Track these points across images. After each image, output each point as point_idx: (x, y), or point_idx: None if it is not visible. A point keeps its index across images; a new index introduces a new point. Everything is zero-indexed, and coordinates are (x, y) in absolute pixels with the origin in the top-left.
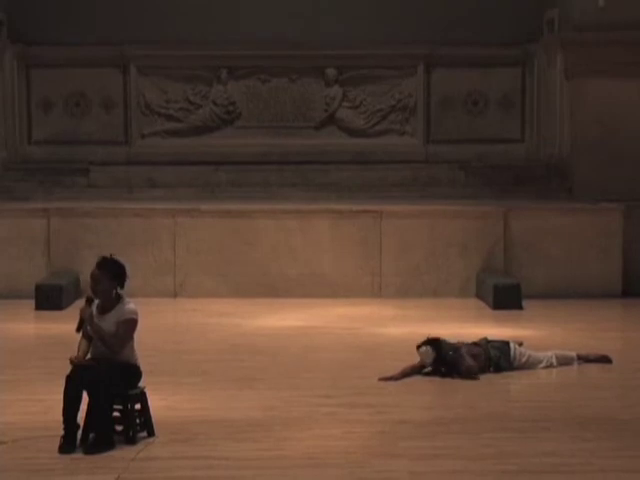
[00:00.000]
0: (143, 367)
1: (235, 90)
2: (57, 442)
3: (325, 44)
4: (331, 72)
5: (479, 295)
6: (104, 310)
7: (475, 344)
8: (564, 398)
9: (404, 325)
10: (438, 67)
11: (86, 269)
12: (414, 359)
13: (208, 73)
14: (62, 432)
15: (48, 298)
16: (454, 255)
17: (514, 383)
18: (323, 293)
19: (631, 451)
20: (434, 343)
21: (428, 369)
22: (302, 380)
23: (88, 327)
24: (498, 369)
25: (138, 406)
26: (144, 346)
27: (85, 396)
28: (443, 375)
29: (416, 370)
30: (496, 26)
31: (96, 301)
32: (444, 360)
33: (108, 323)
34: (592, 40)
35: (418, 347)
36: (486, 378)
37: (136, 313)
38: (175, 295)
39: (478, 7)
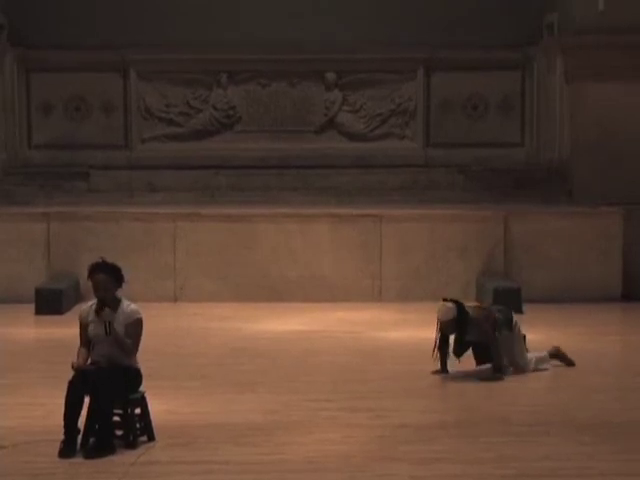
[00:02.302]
0: (143, 371)
1: (235, 94)
2: (57, 446)
3: (325, 48)
4: (331, 76)
5: (479, 299)
6: None
7: (482, 308)
8: (563, 401)
9: (404, 329)
10: (438, 71)
11: (86, 273)
12: (414, 363)
13: (208, 77)
14: (62, 436)
15: (48, 302)
16: (454, 259)
17: (513, 387)
18: (323, 297)
19: (630, 454)
20: (459, 304)
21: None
22: (302, 384)
23: (107, 331)
24: (509, 326)
25: (138, 410)
26: (144, 350)
27: (85, 400)
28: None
29: (442, 342)
30: (496, 30)
31: (93, 305)
32: (463, 324)
33: (117, 325)
34: (592, 44)
35: (444, 300)
36: (485, 382)
37: (140, 312)
38: (175, 299)
39: (478, 11)
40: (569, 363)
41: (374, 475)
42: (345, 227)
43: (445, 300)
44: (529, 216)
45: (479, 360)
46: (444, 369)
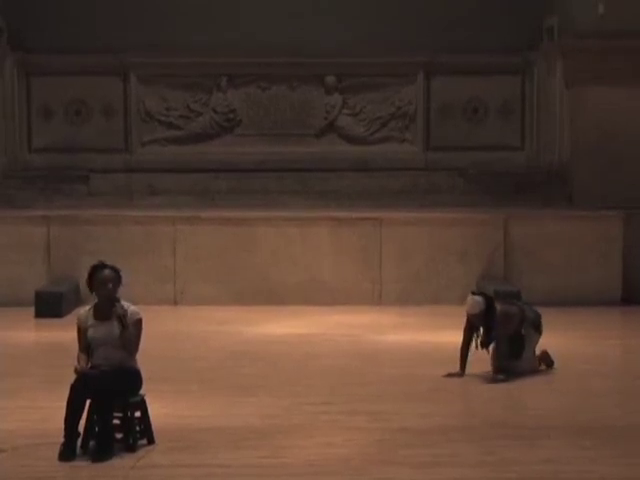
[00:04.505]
0: (143, 374)
1: (235, 98)
2: (57, 450)
3: (325, 52)
4: (331, 80)
5: None
6: (105, 316)
7: (511, 303)
8: (563, 405)
9: (404, 332)
10: (438, 75)
11: (87, 276)
12: (413, 366)
13: (208, 81)
14: (62, 439)
15: (48, 305)
16: (454, 262)
17: (514, 390)
18: (323, 300)
19: (630, 458)
20: (489, 298)
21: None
22: (302, 387)
23: (123, 325)
24: (538, 329)
25: (138, 413)
26: (145, 353)
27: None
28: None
29: (467, 342)
30: (496, 34)
31: (91, 310)
32: (491, 318)
33: (117, 327)
34: (592, 47)
35: (473, 293)
36: (486, 385)
37: (140, 313)
38: (175, 302)
39: (478, 15)
40: (549, 364)
41: (374, 479)
42: (345, 230)
43: (473, 293)
44: (529, 220)
45: (505, 354)
46: (462, 370)
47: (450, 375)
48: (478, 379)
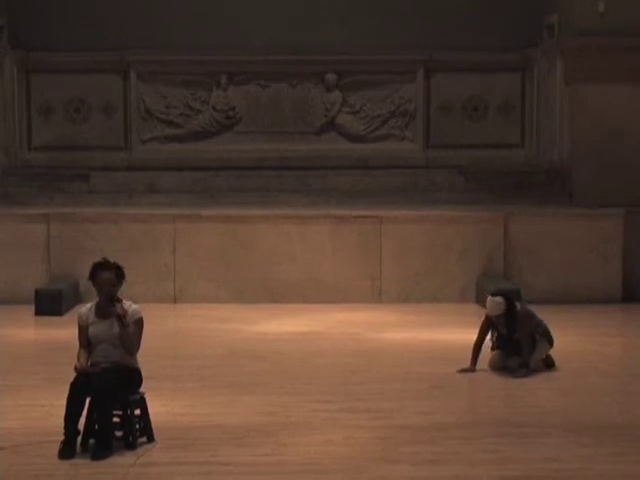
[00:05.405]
0: (143, 372)
1: (235, 95)
2: (57, 447)
3: (325, 49)
4: (331, 77)
5: (479, 300)
6: (106, 314)
7: (527, 308)
8: (564, 403)
9: (404, 330)
10: (438, 72)
11: (86, 274)
12: (414, 364)
13: (208, 79)
14: (62, 437)
15: (48, 303)
16: (454, 260)
17: (514, 388)
18: (323, 298)
19: (630, 456)
20: (509, 298)
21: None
22: (302, 385)
23: (123, 323)
24: (550, 340)
25: (138, 411)
26: (144, 351)
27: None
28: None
29: (481, 340)
30: (496, 31)
31: (92, 307)
32: (512, 318)
33: (117, 325)
34: (592, 45)
35: (493, 294)
36: (487, 383)
37: (141, 312)
38: (175, 300)
39: (478, 12)
40: (550, 365)
41: (375, 476)
42: (345, 228)
43: (493, 295)
44: (529, 218)
45: (508, 352)
46: (473, 366)
47: (463, 371)
48: (479, 377)
